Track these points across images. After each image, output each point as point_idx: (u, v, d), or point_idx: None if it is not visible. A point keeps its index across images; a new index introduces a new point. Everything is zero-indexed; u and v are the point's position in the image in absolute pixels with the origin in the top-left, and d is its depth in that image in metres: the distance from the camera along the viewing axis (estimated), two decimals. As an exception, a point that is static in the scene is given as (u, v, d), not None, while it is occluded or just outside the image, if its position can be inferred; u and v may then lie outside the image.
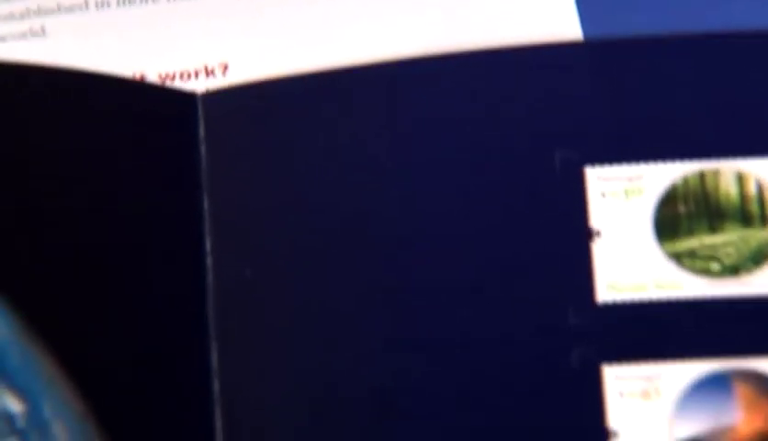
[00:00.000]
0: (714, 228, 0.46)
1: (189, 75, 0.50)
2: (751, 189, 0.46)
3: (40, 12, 0.51)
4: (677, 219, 0.46)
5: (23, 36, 0.51)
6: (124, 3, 0.51)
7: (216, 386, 0.46)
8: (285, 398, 0.46)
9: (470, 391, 0.46)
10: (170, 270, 0.47)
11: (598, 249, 0.46)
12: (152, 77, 0.50)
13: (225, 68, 0.50)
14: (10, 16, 0.50)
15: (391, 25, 0.51)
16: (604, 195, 0.47)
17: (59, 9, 0.51)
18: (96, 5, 0.51)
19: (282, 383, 0.46)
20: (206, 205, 0.47)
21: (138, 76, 0.49)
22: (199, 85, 0.49)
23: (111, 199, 0.47)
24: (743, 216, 0.46)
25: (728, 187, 0.47)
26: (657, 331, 0.46)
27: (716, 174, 0.47)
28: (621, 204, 0.47)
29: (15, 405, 0.45)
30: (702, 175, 0.47)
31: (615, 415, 0.45)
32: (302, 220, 0.48)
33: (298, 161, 0.48)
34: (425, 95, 0.48)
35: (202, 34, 0.50)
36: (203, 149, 0.48)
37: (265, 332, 0.47)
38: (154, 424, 0.46)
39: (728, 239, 0.46)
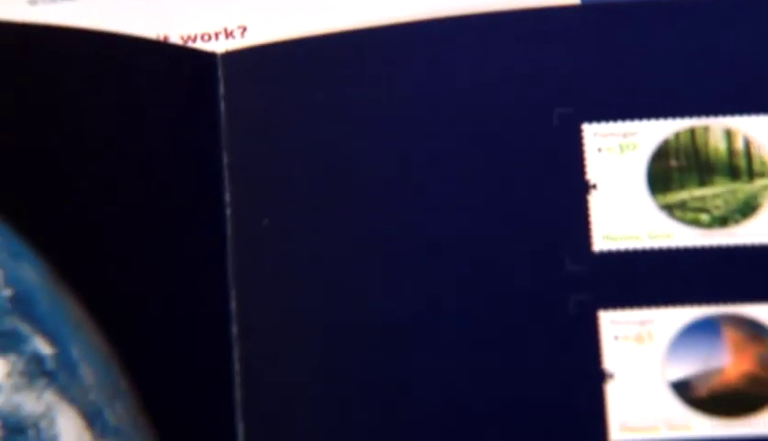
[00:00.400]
0: (704, 181, 0.46)
1: (210, 37, 0.49)
2: (739, 145, 0.46)
3: None
4: (669, 173, 0.46)
5: (54, 0, 0.50)
6: None
7: (234, 328, 0.46)
8: (298, 336, 0.46)
9: (472, 334, 0.45)
10: (191, 220, 0.46)
11: (594, 201, 0.46)
12: (175, 39, 0.49)
13: (244, 30, 0.49)
14: None
15: None
16: (600, 150, 0.46)
17: None
18: None
19: (295, 323, 0.46)
20: (225, 159, 0.47)
21: (162, 38, 0.48)
22: (219, 46, 0.49)
23: (137, 153, 0.47)
24: (731, 170, 0.46)
25: (717, 143, 0.46)
26: (650, 278, 0.45)
27: (705, 130, 0.46)
28: (616, 159, 0.46)
29: (44, 348, 0.45)
30: (692, 132, 0.46)
31: (610, 358, 0.45)
32: (315, 172, 0.47)
33: (311, 117, 0.47)
34: (432, 55, 0.48)
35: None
36: (223, 106, 0.47)
37: (280, 276, 0.46)
38: (176, 364, 0.45)
39: (717, 192, 0.46)
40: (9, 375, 0.44)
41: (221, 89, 0.47)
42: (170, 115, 0.47)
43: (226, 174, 0.47)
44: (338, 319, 0.46)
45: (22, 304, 0.45)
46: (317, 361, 0.46)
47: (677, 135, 0.46)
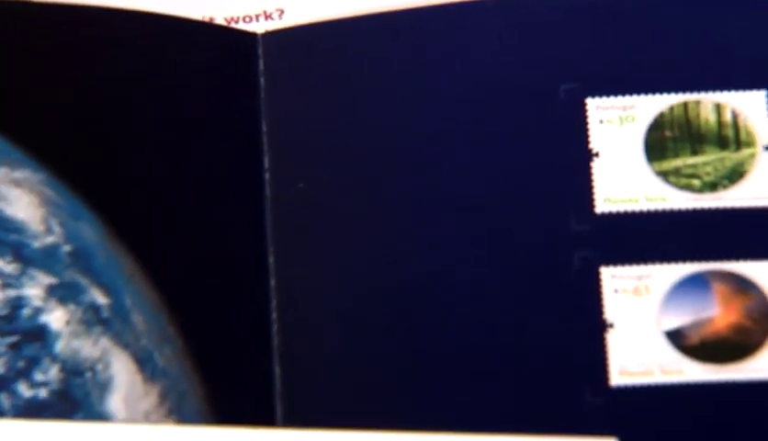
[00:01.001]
0: (695, 150, 0.45)
1: (251, 19, 0.49)
2: (728, 117, 0.46)
3: None
4: (664, 142, 0.46)
5: None
6: None
7: (272, 282, 0.45)
8: (330, 288, 0.45)
9: (487, 286, 0.45)
10: (234, 184, 0.46)
11: (597, 167, 0.45)
12: (220, 20, 0.48)
13: (281, 13, 0.49)
14: None
15: None
16: (601, 121, 0.46)
17: None
18: None
19: (327, 276, 0.46)
20: (264, 128, 0.46)
21: (208, 19, 0.48)
22: (260, 27, 0.48)
23: (187, 122, 0.46)
24: (720, 140, 0.46)
25: (708, 116, 0.46)
26: (646, 237, 0.45)
27: (697, 104, 0.46)
28: (616, 130, 0.46)
29: (100, 298, 0.45)
30: (686, 105, 0.46)
31: (611, 309, 0.44)
32: (346, 140, 0.47)
33: (343, 91, 0.47)
34: (455, 36, 0.47)
35: None
36: (262, 81, 0.47)
37: (315, 235, 0.46)
38: (219, 313, 0.45)
39: (708, 160, 0.45)
40: (68, 323, 0.44)
41: (261, 65, 0.47)
42: (216, 88, 0.46)
43: (265, 141, 0.46)
44: (366, 271, 0.46)
45: (80, 259, 0.45)
46: (347, 310, 0.45)
47: (671, 108, 0.46)
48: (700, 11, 0.47)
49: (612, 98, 0.46)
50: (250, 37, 0.47)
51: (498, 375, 0.44)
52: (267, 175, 0.46)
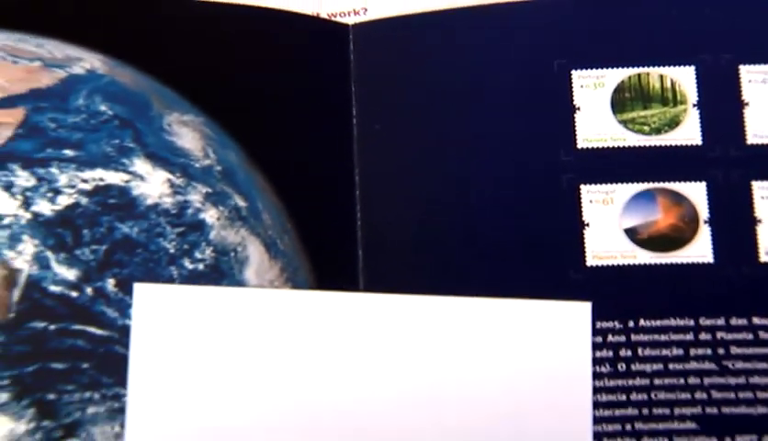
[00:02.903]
0: (645, 107, 0.45)
1: (345, 14, 0.48)
2: (668, 84, 0.45)
3: None
4: (624, 101, 0.45)
5: None
6: None
7: (357, 192, 0.45)
8: (397, 195, 0.45)
9: (503, 196, 0.44)
10: (331, 125, 0.45)
11: (578, 118, 0.45)
12: (323, 15, 0.48)
13: (365, 10, 0.48)
14: None
15: None
16: (582, 86, 0.45)
17: None
18: None
19: (395, 186, 0.45)
20: (353, 90, 0.45)
21: (315, 14, 0.48)
22: (350, 20, 0.47)
23: (296, 86, 0.46)
24: (663, 100, 0.45)
25: (654, 83, 0.45)
26: (611, 164, 0.44)
27: (647, 75, 0.45)
28: (592, 92, 0.45)
29: (240, 202, 0.44)
30: (639, 76, 0.45)
31: (587, 214, 0.44)
32: (416, 97, 0.46)
33: (418, 69, 0.46)
34: (490, 31, 0.46)
35: None
36: (352, 59, 0.46)
37: (386, 158, 0.45)
38: (319, 214, 0.45)
39: (654, 113, 0.45)
40: (219, 219, 0.43)
41: (352, 48, 0.46)
42: (318, 65, 0.45)
43: (354, 98, 0.45)
44: (422, 182, 0.45)
45: (227, 175, 0.44)
46: (412, 208, 0.44)
47: (629, 78, 0.45)
48: (651, 12, 0.46)
49: (589, 70, 0.45)
50: (343, 27, 0.46)
51: (510, 256, 0.44)
52: (354, 120, 0.45)
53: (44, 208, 0.42)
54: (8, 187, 0.42)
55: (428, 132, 0.45)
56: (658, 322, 0.42)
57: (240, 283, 0.43)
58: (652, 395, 0.42)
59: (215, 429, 0.41)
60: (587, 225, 0.44)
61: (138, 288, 0.41)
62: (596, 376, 0.42)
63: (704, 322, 0.42)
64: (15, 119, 0.43)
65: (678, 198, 0.44)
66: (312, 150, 0.45)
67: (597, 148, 0.45)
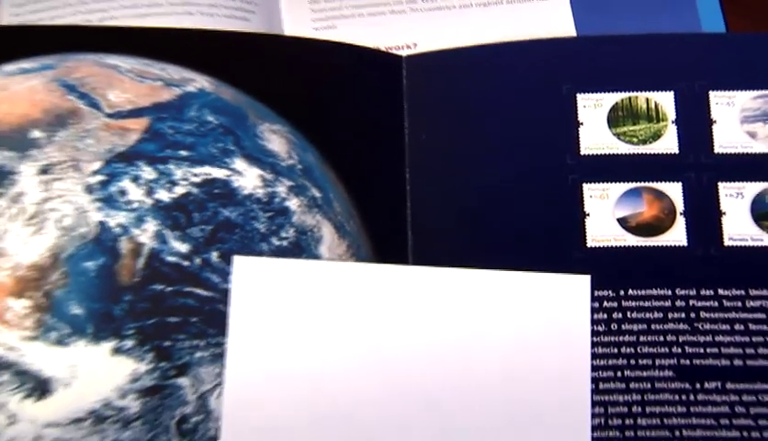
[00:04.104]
0: (634, 123, 0.44)
1: (399, 48, 0.48)
2: (652, 105, 0.44)
3: (335, 18, 0.49)
4: (618, 118, 0.44)
5: (323, 28, 0.49)
6: (372, 14, 0.49)
7: (408, 187, 0.44)
8: (439, 187, 0.44)
9: (525, 191, 0.44)
10: (388, 136, 0.45)
11: (582, 131, 0.44)
12: (383, 48, 0.47)
13: (415, 45, 0.47)
14: (316, 18, 0.48)
15: (471, 26, 0.49)
16: (584, 106, 0.44)
17: (347, 16, 0.49)
18: (368, 15, 0.49)
19: (437, 181, 0.44)
20: (405, 106, 0.45)
21: (377, 47, 0.47)
22: (402, 52, 0.47)
23: (358, 107, 0.45)
24: (648, 117, 0.44)
25: (642, 104, 0.44)
26: (607, 167, 0.44)
27: (636, 98, 0.44)
28: (592, 111, 0.44)
29: (316, 193, 0.43)
30: (629, 98, 0.44)
31: (588, 206, 0.43)
32: (454, 113, 0.45)
33: (458, 93, 0.46)
34: (512, 61, 0.46)
35: (405, 28, 0.48)
36: (404, 82, 0.45)
37: (430, 161, 0.45)
38: (379, 204, 0.44)
39: (641, 128, 0.44)
40: (299, 206, 0.42)
41: (405, 77, 0.45)
42: (378, 88, 0.45)
43: (405, 114, 0.45)
44: (462, 178, 0.44)
45: (306, 172, 0.44)
46: (454, 197, 0.44)
47: (622, 100, 0.44)
48: (639, 48, 0.46)
49: (590, 94, 0.45)
50: (398, 58, 0.45)
51: (526, 238, 0.43)
52: (406, 132, 0.45)
53: (163, 195, 0.41)
54: (136, 179, 0.41)
55: (464, 141, 0.45)
56: (642, 292, 0.42)
57: (315, 257, 0.42)
58: (638, 349, 0.41)
59: (294, 370, 0.40)
60: (587, 215, 0.43)
61: (236, 259, 0.41)
62: (594, 333, 0.41)
63: (679, 292, 0.42)
64: (141, 126, 0.43)
65: (659, 195, 0.43)
66: (372, 154, 0.44)
67: (596, 155, 0.44)
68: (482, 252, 0.42)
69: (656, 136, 0.44)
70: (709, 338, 0.41)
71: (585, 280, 0.41)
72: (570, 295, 0.41)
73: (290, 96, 0.44)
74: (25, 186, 0.40)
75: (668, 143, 0.44)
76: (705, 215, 0.43)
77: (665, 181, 0.43)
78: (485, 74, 0.45)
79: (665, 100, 0.44)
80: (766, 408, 0.40)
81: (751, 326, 0.41)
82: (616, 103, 0.44)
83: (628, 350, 0.41)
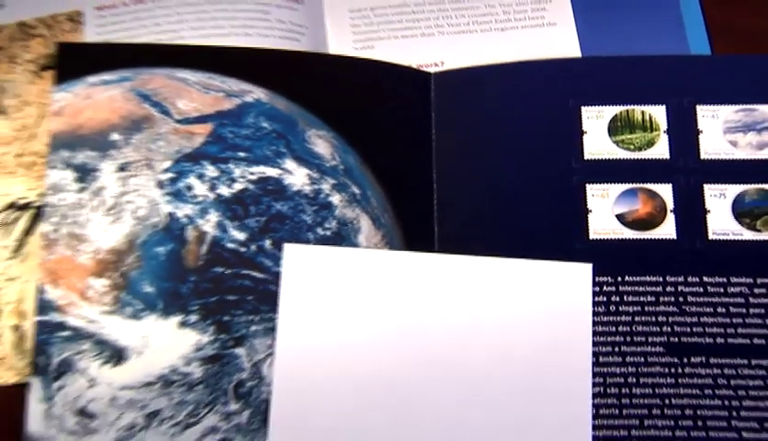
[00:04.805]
0: (631, 131, 0.44)
1: (428, 65, 0.47)
2: (647, 117, 0.44)
3: (373, 39, 0.48)
4: (617, 127, 0.44)
5: (362, 48, 0.48)
6: (405, 37, 0.48)
7: (435, 186, 0.44)
8: (466, 194, 0.44)
9: (538, 190, 0.43)
10: (418, 140, 0.44)
11: (586, 139, 0.43)
12: (414, 65, 0.47)
13: (442, 63, 0.46)
14: (356, 40, 0.48)
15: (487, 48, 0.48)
16: (588, 117, 0.44)
17: (384, 38, 0.48)
18: (402, 37, 0.48)
19: (464, 189, 0.44)
20: (433, 119, 0.45)
21: (410, 65, 0.46)
22: (431, 69, 0.46)
23: (392, 116, 0.45)
24: (643, 127, 0.44)
25: (638, 116, 0.44)
26: (607, 171, 0.44)
27: (633, 110, 0.44)
28: (595, 121, 0.44)
29: (356, 190, 0.43)
30: (627, 111, 0.44)
31: (590, 203, 0.43)
32: (476, 121, 0.44)
33: (478, 101, 0.45)
34: (527, 78, 0.45)
35: (433, 48, 0.47)
36: (432, 94, 0.45)
37: (453, 163, 0.44)
38: (409, 201, 0.44)
39: (637, 136, 0.44)
40: (341, 201, 0.42)
41: (433, 91, 0.45)
42: (409, 99, 0.44)
43: (432, 122, 0.44)
44: (483, 177, 0.44)
45: (347, 172, 0.43)
46: (473, 197, 0.44)
47: (620, 112, 0.44)
48: (636, 68, 0.45)
49: (593, 107, 0.44)
50: (427, 74, 0.45)
51: (538, 231, 0.43)
52: (433, 137, 0.44)
53: (224, 191, 0.41)
54: (200, 177, 0.41)
55: (483, 146, 0.44)
56: (637, 278, 0.42)
57: (354, 245, 0.42)
58: (633, 328, 0.41)
59: (335, 342, 0.40)
60: (590, 211, 0.43)
61: (286, 246, 0.41)
62: (595, 314, 0.41)
63: (669, 279, 0.41)
64: (205, 131, 0.42)
65: (653, 195, 0.43)
66: (404, 156, 0.44)
67: (598, 159, 0.44)
68: (499, 242, 0.42)
69: (650, 144, 0.43)
70: (695, 319, 0.41)
71: (588, 268, 0.41)
72: (575, 280, 0.41)
73: (334, 106, 0.43)
74: (105, 181, 0.40)
75: (660, 150, 0.43)
76: (692, 212, 0.42)
77: (658, 183, 0.43)
78: (502, 89, 0.44)
79: (658, 113, 0.44)
80: (744, 380, 0.40)
81: (732, 309, 0.40)
82: (616, 115, 0.44)
83: (624, 328, 0.41)
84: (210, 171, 0.41)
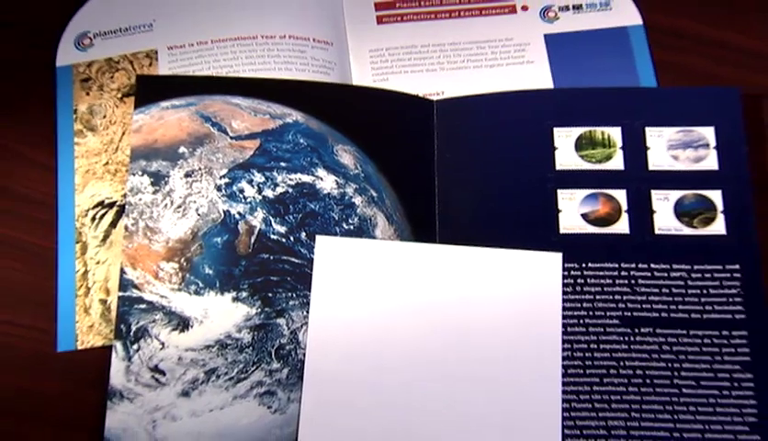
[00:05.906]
0: (593, 147, 0.43)
1: (431, 94, 0.46)
2: (606, 136, 0.43)
3: (388, 73, 0.48)
4: (582, 144, 0.43)
5: (379, 80, 0.47)
6: (414, 71, 0.48)
7: (436, 190, 0.43)
8: (461, 197, 0.43)
9: (521, 192, 0.43)
10: (422, 155, 0.43)
11: (557, 153, 0.43)
12: (420, 94, 0.46)
13: (443, 92, 0.46)
14: (375, 73, 0.47)
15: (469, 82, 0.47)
16: (559, 136, 0.43)
17: (396, 72, 0.48)
18: (411, 72, 0.48)
19: (460, 193, 0.43)
20: (435, 137, 0.44)
21: (415, 94, 0.45)
22: (434, 98, 0.45)
23: (402, 137, 0.44)
24: (603, 144, 0.43)
25: (599, 135, 0.43)
26: (575, 179, 0.43)
27: (595, 131, 0.43)
28: (564, 139, 0.43)
29: (373, 193, 0.43)
30: (590, 132, 0.43)
31: (561, 204, 0.42)
32: (470, 138, 0.44)
33: (471, 123, 0.44)
34: (511, 104, 0.44)
35: (436, 80, 0.46)
36: (435, 118, 0.44)
37: (453, 171, 0.43)
38: (417, 203, 0.42)
39: (598, 151, 0.43)
40: (361, 201, 0.42)
41: (435, 117, 0.44)
42: (415, 122, 0.44)
43: (435, 140, 0.44)
44: (475, 184, 0.43)
45: (367, 178, 0.43)
46: (467, 199, 0.43)
47: (585, 132, 0.43)
48: (598, 98, 0.45)
49: (563, 128, 0.43)
50: (430, 102, 0.44)
51: (519, 226, 0.42)
52: (436, 152, 0.44)
53: (269, 193, 0.41)
54: (250, 182, 0.41)
55: (475, 159, 0.44)
56: (598, 265, 0.41)
57: (372, 237, 0.42)
58: (594, 304, 0.41)
59: (358, 315, 0.40)
60: (561, 211, 0.42)
61: (318, 238, 0.40)
62: (564, 293, 0.41)
63: (623, 265, 0.41)
64: (254, 146, 0.42)
65: (610, 198, 0.43)
66: (412, 167, 0.43)
67: (567, 170, 0.43)
68: (488, 235, 0.42)
69: (608, 157, 0.43)
70: (644, 297, 0.40)
71: (558, 257, 0.41)
72: (548, 266, 0.41)
73: (356, 126, 0.43)
74: (174, 185, 0.41)
75: (616, 163, 0.43)
76: (642, 212, 0.42)
77: (614, 188, 0.43)
78: (491, 113, 0.44)
79: (615, 133, 0.44)
80: (683, 347, 0.39)
81: (674, 290, 0.40)
82: (581, 134, 0.44)
83: (587, 305, 0.40)
84: (258, 177, 0.41)
